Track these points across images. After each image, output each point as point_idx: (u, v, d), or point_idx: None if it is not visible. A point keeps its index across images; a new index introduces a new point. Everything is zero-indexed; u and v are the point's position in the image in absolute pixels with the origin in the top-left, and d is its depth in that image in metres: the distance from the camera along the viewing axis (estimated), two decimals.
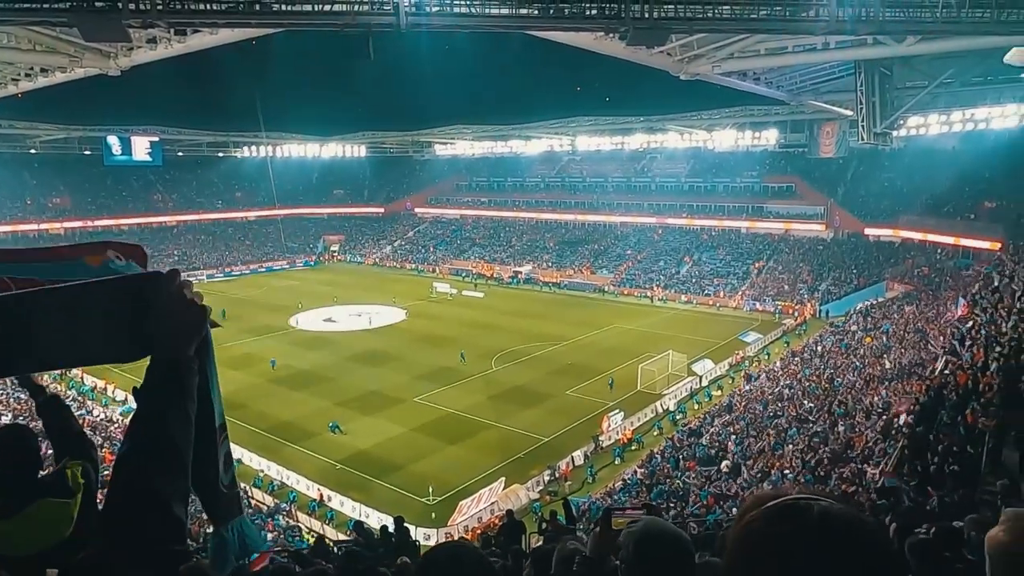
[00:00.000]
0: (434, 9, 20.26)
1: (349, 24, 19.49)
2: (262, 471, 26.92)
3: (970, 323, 25.14)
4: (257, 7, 19.27)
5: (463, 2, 20.36)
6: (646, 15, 19.78)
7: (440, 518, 22.77)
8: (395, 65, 65.79)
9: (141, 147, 78.95)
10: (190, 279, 1.50)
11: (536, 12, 20.67)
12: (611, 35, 23.94)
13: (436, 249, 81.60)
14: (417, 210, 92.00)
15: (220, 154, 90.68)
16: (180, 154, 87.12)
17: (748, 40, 29.68)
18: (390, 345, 44.90)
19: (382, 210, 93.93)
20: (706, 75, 33.23)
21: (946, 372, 20.52)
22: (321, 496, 24.70)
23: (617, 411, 31.19)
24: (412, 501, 24.00)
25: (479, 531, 20.95)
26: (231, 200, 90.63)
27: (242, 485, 25.39)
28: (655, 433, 30.75)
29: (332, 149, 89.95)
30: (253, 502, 24.71)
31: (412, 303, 57.84)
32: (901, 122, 39.05)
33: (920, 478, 13.72)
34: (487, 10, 20.55)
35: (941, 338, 30.85)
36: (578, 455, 27.89)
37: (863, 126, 36.55)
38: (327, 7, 19.43)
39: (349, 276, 73.60)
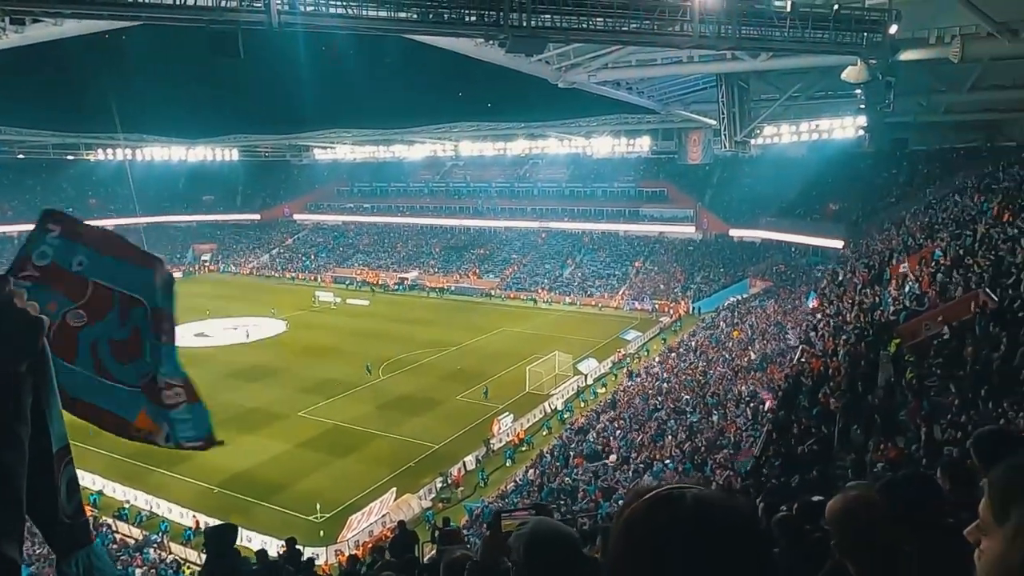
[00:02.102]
0: (308, 8, 19.57)
1: (215, 20, 18.39)
2: (127, 502, 24.77)
3: (820, 315, 27.72)
4: None
5: (339, 3, 19.82)
6: (524, 23, 20.18)
7: (329, 535, 21.99)
8: (270, 65, 62.77)
9: None
10: (21, 288, 1.30)
11: (415, 16, 20.49)
12: (491, 42, 24.23)
13: (318, 257, 78.82)
14: (296, 216, 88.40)
15: (70, 157, 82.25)
16: (21, 156, 78.26)
17: (621, 51, 31.08)
18: (270, 359, 42.81)
19: (258, 217, 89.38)
20: (583, 84, 34.44)
21: (802, 360, 22.48)
22: (197, 524, 23.01)
23: (507, 413, 31.53)
24: (299, 520, 22.99)
25: (370, 544, 20.40)
26: (84, 208, 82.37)
27: (105, 520, 23.25)
28: (544, 433, 31.37)
29: (200, 153, 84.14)
30: (118, 536, 22.66)
31: (293, 314, 55.48)
32: (758, 131, 42.45)
33: (783, 459, 14.91)
34: (364, 12, 20.13)
35: (797, 329, 33.77)
36: (470, 460, 27.91)
37: (725, 135, 39.40)
38: (190, 1, 18.24)
39: (223, 287, 69.40)
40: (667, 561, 0.95)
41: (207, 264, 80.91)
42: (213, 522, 22.64)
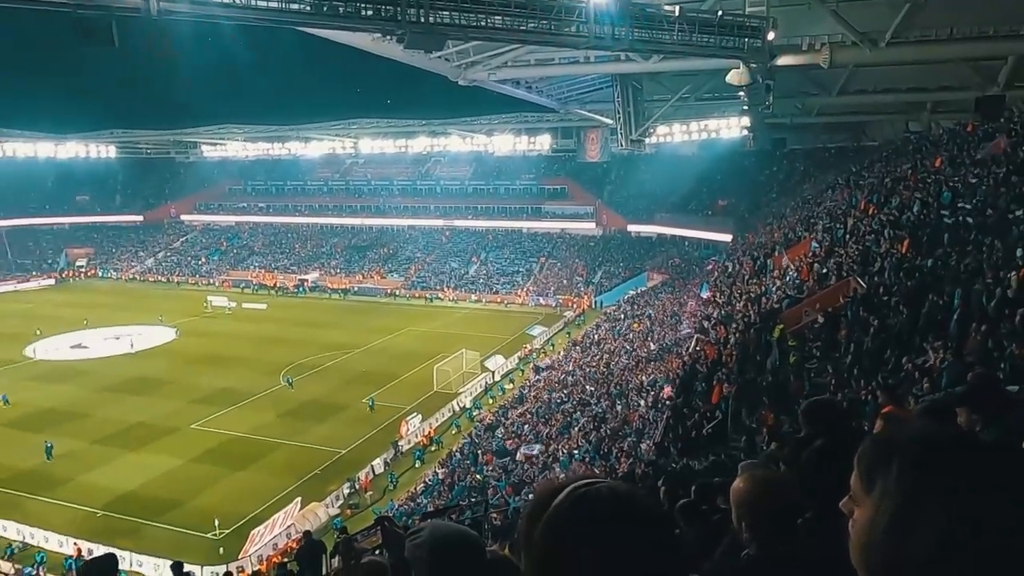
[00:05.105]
0: None
1: (83, 5, 16.94)
2: None
3: (713, 305, 29.23)
4: None
5: None
6: (422, 19, 19.92)
7: (230, 552, 20.91)
8: (150, 56, 58.67)
9: None
10: None
11: (309, 8, 19.75)
12: (389, 38, 23.77)
13: (209, 260, 74.68)
14: (184, 217, 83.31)
15: None
16: None
17: (520, 50, 31.37)
18: (158, 369, 40.15)
19: (140, 218, 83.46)
20: (483, 82, 34.48)
21: (698, 349, 23.62)
22: (79, 551, 21.19)
23: (415, 414, 31.19)
24: (195, 539, 21.76)
25: (275, 559, 19.60)
26: None
27: None
28: (453, 432, 31.28)
29: (72, 149, 77.25)
30: None
31: (183, 320, 52.30)
32: (652, 130, 44.17)
33: (683, 443, 15.62)
34: (254, 2, 19.18)
35: (692, 319, 35.46)
36: (378, 463, 27.40)
37: (621, 133, 40.75)
38: None
39: (102, 295, 64.35)
40: (593, 554, 1.00)
41: (83, 269, 74.78)
42: (97, 548, 21.01)
